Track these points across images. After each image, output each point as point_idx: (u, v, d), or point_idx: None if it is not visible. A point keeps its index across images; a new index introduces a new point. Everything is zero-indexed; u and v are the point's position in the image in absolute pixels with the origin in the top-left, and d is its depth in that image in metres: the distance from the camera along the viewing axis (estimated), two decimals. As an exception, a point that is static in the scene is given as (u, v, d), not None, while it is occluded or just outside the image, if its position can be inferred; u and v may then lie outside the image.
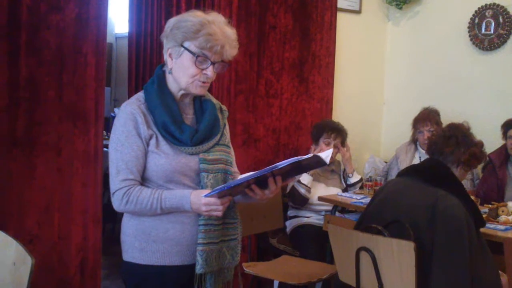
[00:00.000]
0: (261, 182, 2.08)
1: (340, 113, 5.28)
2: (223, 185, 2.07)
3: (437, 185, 2.75)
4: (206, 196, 2.06)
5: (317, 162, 2.06)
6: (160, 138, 2.15)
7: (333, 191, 4.43)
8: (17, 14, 3.34)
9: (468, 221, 2.65)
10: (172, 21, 2.19)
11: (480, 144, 2.96)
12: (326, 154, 2.05)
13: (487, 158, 3.94)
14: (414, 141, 4.75)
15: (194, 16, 2.14)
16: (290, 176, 2.20)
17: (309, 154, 1.96)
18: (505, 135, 4.23)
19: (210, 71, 2.15)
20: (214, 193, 2.04)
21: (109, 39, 7.24)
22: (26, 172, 3.42)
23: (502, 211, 3.44)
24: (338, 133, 4.52)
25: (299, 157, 1.96)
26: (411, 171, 3.00)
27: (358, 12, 5.48)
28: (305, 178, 4.33)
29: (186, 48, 2.13)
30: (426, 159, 3.06)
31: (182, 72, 2.17)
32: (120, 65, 7.39)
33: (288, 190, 4.42)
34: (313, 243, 4.20)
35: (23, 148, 3.40)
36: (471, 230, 2.65)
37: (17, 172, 3.39)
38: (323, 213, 4.31)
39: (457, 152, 2.87)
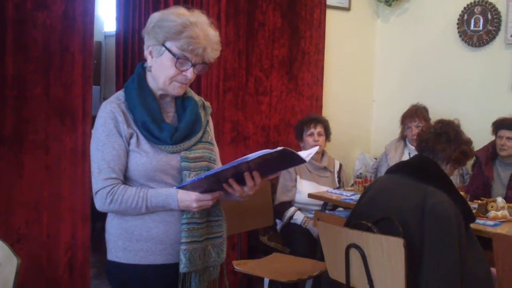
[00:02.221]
0: (240, 177, 2.07)
1: (330, 110, 5.27)
2: (194, 178, 2.06)
3: (426, 182, 2.75)
4: (177, 187, 2.08)
5: (296, 160, 2.05)
6: (141, 137, 2.13)
7: (324, 190, 4.38)
8: (3, 11, 3.31)
9: (457, 217, 2.65)
10: (154, 18, 2.16)
11: (470, 142, 2.97)
12: (308, 153, 2.05)
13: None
14: (403, 137, 4.78)
15: (177, 15, 2.11)
16: (270, 172, 2.18)
17: (279, 148, 1.93)
18: (495, 132, 4.23)
19: (190, 73, 2.14)
20: (186, 184, 2.05)
21: (99, 37, 7.20)
22: (14, 171, 3.40)
23: (492, 207, 3.44)
24: (317, 121, 4.51)
25: (267, 150, 1.94)
26: (400, 168, 2.99)
27: (347, 9, 5.48)
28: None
29: (167, 48, 2.11)
30: (415, 156, 3.05)
31: (161, 72, 2.15)
32: (109, 64, 7.33)
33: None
34: (304, 240, 4.20)
35: (10, 146, 3.38)
36: (460, 226, 2.65)
37: (5, 171, 3.37)
38: (313, 212, 4.30)
39: (448, 150, 2.86)
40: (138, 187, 2.12)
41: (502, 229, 3.19)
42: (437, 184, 2.73)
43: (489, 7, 4.83)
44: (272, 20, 4.79)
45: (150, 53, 2.17)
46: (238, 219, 3.77)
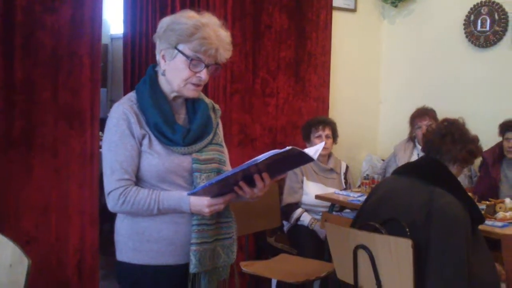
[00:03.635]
0: (249, 179, 2.08)
1: (337, 112, 5.28)
2: (205, 183, 2.07)
3: (434, 183, 2.74)
4: (189, 194, 2.09)
5: (305, 158, 2.05)
6: (153, 138, 2.15)
7: (331, 192, 4.38)
8: (11, 14, 3.33)
9: (465, 218, 2.64)
10: (165, 22, 2.18)
11: (476, 140, 2.94)
12: (315, 149, 2.06)
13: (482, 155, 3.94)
14: (412, 138, 4.77)
15: (188, 18, 2.13)
16: (278, 173, 2.18)
17: (287, 147, 1.93)
18: (502, 134, 4.23)
19: (204, 74, 2.15)
20: (197, 190, 2.06)
21: (105, 40, 7.23)
22: (23, 174, 3.42)
23: (500, 208, 3.44)
24: (325, 124, 4.51)
25: (276, 150, 1.94)
26: (407, 170, 2.99)
27: (354, 10, 5.48)
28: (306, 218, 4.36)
29: (180, 51, 2.12)
30: (422, 157, 3.04)
31: (176, 75, 2.16)
32: (116, 66, 7.38)
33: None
34: (311, 241, 4.20)
35: (19, 150, 3.40)
36: (467, 228, 2.64)
37: (14, 174, 3.39)
38: (320, 213, 4.30)
39: (454, 150, 2.84)
40: (150, 189, 2.13)
41: (511, 230, 3.18)
42: (444, 186, 2.72)
43: (496, 7, 4.82)
44: (279, 22, 4.80)
45: (163, 57, 2.18)
46: (245, 221, 3.78)
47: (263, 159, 1.94)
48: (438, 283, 2.59)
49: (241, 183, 2.08)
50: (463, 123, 2.96)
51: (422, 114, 4.69)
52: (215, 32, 2.14)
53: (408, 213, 2.71)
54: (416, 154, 4.68)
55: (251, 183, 2.10)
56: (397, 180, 2.98)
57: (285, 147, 1.93)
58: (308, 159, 2.05)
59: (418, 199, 2.72)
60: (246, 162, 1.97)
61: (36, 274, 3.33)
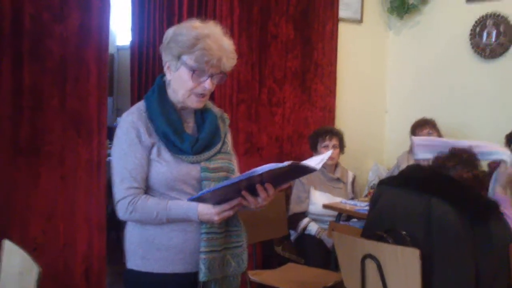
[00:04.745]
0: (252, 189, 2.07)
1: (343, 122, 5.28)
2: (203, 191, 2.08)
3: (428, 192, 2.70)
4: (189, 200, 2.09)
5: (308, 169, 2.04)
6: (162, 146, 2.16)
7: (338, 201, 4.37)
8: (20, 22, 3.35)
9: (464, 226, 2.60)
10: (169, 33, 2.19)
11: (485, 173, 2.91)
12: (320, 159, 2.05)
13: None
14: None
15: (190, 29, 2.14)
16: (282, 183, 2.18)
17: (286, 162, 1.92)
18: (508, 145, 4.22)
19: (207, 84, 2.16)
20: (197, 197, 2.06)
21: (111, 50, 7.24)
22: (30, 181, 3.43)
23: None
24: (332, 134, 4.52)
25: (275, 164, 1.93)
26: (400, 181, 2.94)
27: (359, 21, 5.50)
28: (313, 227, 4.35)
29: (183, 62, 2.14)
30: (411, 166, 3.00)
31: (180, 85, 2.17)
32: (122, 76, 7.42)
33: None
34: (318, 250, 4.20)
35: (27, 157, 3.40)
36: (468, 232, 2.60)
37: (21, 181, 3.39)
38: (327, 223, 4.29)
39: (458, 169, 2.78)
40: (159, 197, 2.14)
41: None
42: (439, 193, 2.68)
43: (502, 19, 4.83)
44: (285, 32, 4.81)
45: (168, 68, 2.20)
46: (252, 229, 3.74)
47: (262, 171, 1.93)
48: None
49: (244, 193, 2.07)
50: (475, 153, 2.91)
51: (421, 124, 4.73)
52: (217, 42, 2.14)
53: (407, 225, 2.69)
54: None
55: (254, 192, 2.09)
56: (393, 192, 2.92)
57: (290, 158, 1.92)
58: (311, 169, 2.05)
59: (416, 210, 2.69)
60: (245, 173, 1.96)
61: (43, 281, 3.32)
